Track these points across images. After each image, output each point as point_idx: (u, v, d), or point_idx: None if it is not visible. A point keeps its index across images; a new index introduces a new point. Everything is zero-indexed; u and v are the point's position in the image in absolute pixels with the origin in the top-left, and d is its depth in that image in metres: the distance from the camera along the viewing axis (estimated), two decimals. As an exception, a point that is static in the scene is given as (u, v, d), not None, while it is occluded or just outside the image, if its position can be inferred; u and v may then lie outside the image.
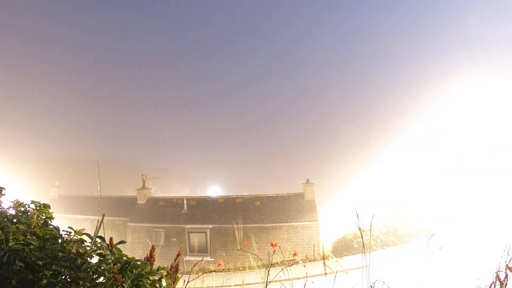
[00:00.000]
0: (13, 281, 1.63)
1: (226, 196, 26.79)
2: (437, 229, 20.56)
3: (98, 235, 1.84)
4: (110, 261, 1.71)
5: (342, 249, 20.29)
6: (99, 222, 2.08)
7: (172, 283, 2.05)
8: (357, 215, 3.27)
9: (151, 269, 1.86)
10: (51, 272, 1.69)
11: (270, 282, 2.85)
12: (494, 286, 2.60)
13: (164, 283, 1.91)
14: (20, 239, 1.83)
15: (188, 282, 2.63)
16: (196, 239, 22.61)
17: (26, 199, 2.52)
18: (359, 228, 3.28)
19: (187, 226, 23.00)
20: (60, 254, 1.76)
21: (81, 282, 1.57)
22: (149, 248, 2.17)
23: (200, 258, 21.56)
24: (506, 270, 2.62)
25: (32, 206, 2.38)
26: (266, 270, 2.96)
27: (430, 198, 28.37)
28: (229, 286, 15.56)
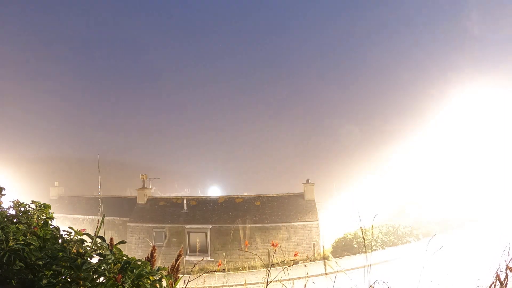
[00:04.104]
0: (13, 281, 1.63)
1: (226, 196, 26.78)
2: (437, 229, 20.56)
3: (98, 235, 1.84)
4: (110, 261, 1.71)
5: (342, 249, 20.28)
6: (100, 222, 2.08)
7: (173, 283, 2.05)
8: (359, 215, 3.27)
9: (151, 269, 1.86)
10: (51, 272, 1.69)
11: (271, 282, 2.85)
12: (494, 286, 2.60)
13: (164, 283, 1.91)
14: (20, 239, 1.83)
15: (188, 282, 2.62)
16: (196, 239, 22.60)
17: (26, 199, 2.52)
18: (361, 228, 3.27)
19: (187, 226, 22.99)
20: (60, 254, 1.76)
21: (81, 282, 1.57)
22: (150, 248, 2.17)
23: (200, 258, 21.56)
24: (506, 270, 2.61)
25: (33, 206, 2.38)
26: (267, 270, 2.95)
27: (430, 198, 28.35)
28: (230, 286, 15.55)
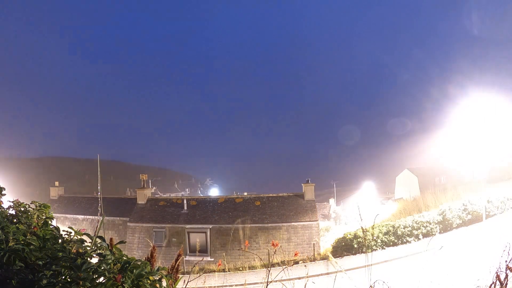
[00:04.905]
0: (13, 281, 1.63)
1: (226, 196, 26.81)
2: (437, 229, 20.55)
3: (98, 235, 1.84)
4: (110, 261, 1.71)
5: (342, 249, 20.26)
6: (100, 222, 2.08)
7: (173, 283, 2.05)
8: (360, 215, 3.27)
9: (151, 269, 1.86)
10: (51, 272, 1.69)
11: (271, 282, 2.84)
12: (494, 286, 2.60)
13: (164, 283, 1.91)
14: (20, 239, 1.83)
15: (188, 282, 2.62)
16: (196, 239, 22.60)
17: (26, 199, 2.52)
18: (362, 228, 3.27)
19: (187, 226, 22.98)
20: (60, 254, 1.76)
21: (81, 282, 1.57)
22: (150, 249, 2.17)
23: (200, 258, 21.56)
24: (506, 270, 2.61)
25: (32, 206, 2.38)
26: (267, 270, 2.95)
27: (430, 196, 28.34)
28: (230, 286, 15.54)
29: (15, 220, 2.26)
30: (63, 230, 2.10)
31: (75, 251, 1.80)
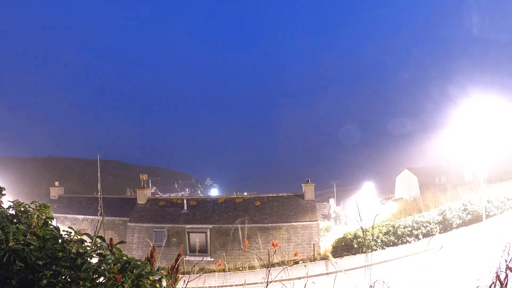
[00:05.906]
0: (13, 281, 1.63)
1: (226, 196, 26.83)
2: (437, 229, 20.55)
3: (98, 235, 1.84)
4: (110, 261, 1.71)
5: (342, 249, 20.26)
6: (100, 222, 2.08)
7: (173, 283, 2.05)
8: (359, 215, 3.27)
9: (151, 269, 1.86)
10: (51, 272, 1.69)
11: (271, 282, 2.84)
12: (494, 286, 2.59)
13: (164, 283, 1.91)
14: (20, 239, 1.83)
15: (188, 282, 2.62)
16: (196, 239, 22.60)
17: (26, 200, 2.52)
18: (362, 228, 3.27)
19: (187, 226, 22.98)
20: (60, 254, 1.76)
21: (81, 282, 1.57)
22: (150, 248, 2.17)
23: (200, 258, 21.55)
24: (506, 270, 2.61)
25: (32, 206, 2.38)
26: (267, 270, 2.95)
27: (430, 196, 28.33)
28: (230, 286, 15.54)
29: (15, 220, 2.26)
30: (63, 230, 2.10)
31: (75, 251, 1.80)
